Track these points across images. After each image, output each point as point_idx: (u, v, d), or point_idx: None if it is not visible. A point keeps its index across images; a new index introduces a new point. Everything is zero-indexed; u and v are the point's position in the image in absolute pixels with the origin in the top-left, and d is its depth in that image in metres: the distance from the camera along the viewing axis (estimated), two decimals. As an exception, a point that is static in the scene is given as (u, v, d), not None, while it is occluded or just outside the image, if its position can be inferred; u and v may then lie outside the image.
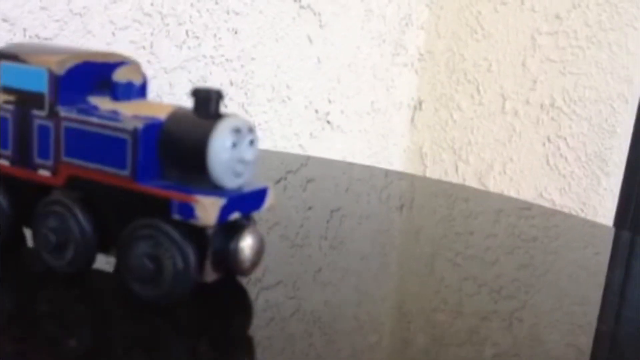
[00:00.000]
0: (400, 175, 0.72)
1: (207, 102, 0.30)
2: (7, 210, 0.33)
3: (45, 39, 0.64)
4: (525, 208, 0.59)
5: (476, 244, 0.47)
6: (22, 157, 0.33)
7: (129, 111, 0.31)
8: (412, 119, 1.10)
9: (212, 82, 0.79)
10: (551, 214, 0.59)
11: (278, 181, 0.58)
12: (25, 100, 0.32)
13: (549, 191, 1.02)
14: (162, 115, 0.30)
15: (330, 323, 0.33)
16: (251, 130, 0.30)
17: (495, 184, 1.04)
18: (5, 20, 0.62)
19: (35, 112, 0.32)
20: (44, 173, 0.33)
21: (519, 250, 0.47)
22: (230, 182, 0.30)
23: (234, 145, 0.29)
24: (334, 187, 0.60)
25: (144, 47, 0.72)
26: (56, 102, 0.32)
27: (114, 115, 0.31)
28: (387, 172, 0.69)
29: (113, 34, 0.69)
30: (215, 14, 0.78)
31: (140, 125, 0.29)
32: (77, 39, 0.67)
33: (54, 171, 0.32)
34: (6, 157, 0.33)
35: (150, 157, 0.30)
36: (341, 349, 0.31)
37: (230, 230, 0.30)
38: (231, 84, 0.81)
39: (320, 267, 0.40)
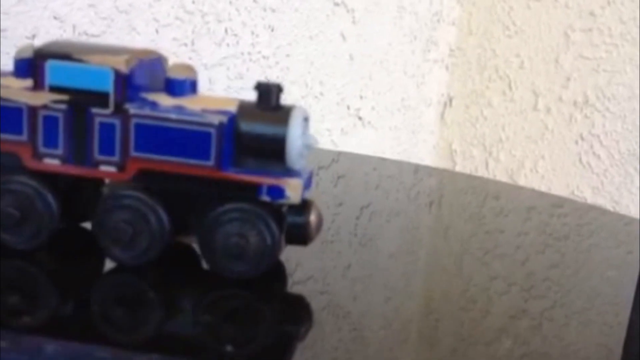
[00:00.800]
0: (430, 171, 0.72)
1: (269, 95, 0.33)
2: (58, 208, 0.34)
3: (93, 35, 0.66)
4: (558, 205, 0.59)
5: (506, 243, 0.47)
6: (77, 155, 0.33)
7: (196, 106, 0.33)
8: (442, 116, 1.09)
9: (248, 79, 0.80)
10: (584, 211, 0.58)
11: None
12: (82, 99, 0.33)
13: (581, 189, 1.01)
14: (231, 108, 0.33)
15: (359, 318, 0.33)
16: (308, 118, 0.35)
17: (527, 182, 1.03)
18: (55, 18, 0.64)
19: (96, 110, 0.33)
20: (107, 169, 0.33)
21: (550, 249, 0.47)
22: (299, 165, 0.33)
23: (303, 132, 0.33)
24: (364, 183, 0.60)
25: (185, 44, 0.73)
26: (123, 101, 0.32)
27: (192, 111, 0.33)
28: (416, 168, 0.69)
29: (156, 31, 0.71)
30: (253, 12, 0.79)
31: (224, 119, 0.32)
32: (123, 35, 0.68)
33: (121, 166, 0.33)
34: (55, 156, 0.33)
35: (230, 147, 0.32)
36: (369, 344, 0.31)
37: (295, 206, 0.33)
38: (267, 80, 0.82)
39: (349, 263, 0.41)
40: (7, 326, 0.28)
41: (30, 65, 0.34)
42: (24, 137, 0.33)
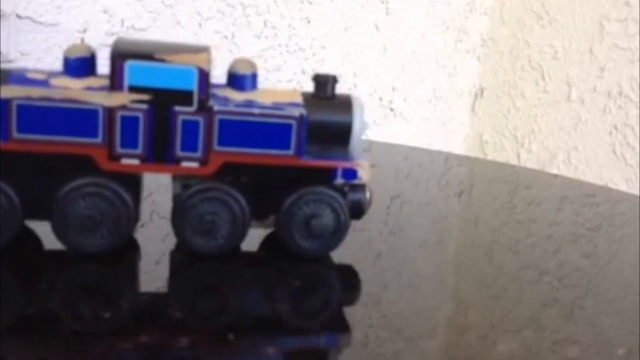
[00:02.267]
0: (460, 160, 0.72)
1: (326, 85, 0.36)
2: (133, 206, 0.34)
3: (140, 29, 0.67)
4: (591, 195, 0.58)
5: (538, 232, 0.47)
6: (157, 153, 0.33)
7: (266, 99, 0.35)
8: (473, 107, 1.08)
9: (285, 71, 0.81)
10: (617, 201, 0.58)
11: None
12: (164, 98, 0.33)
13: (614, 181, 1.00)
14: (297, 100, 0.35)
15: (389, 307, 0.34)
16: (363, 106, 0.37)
17: (559, 173, 1.02)
18: (105, 12, 0.66)
19: (179, 108, 0.33)
20: (189, 165, 0.34)
21: (582, 239, 0.46)
22: (360, 148, 0.37)
23: (362, 119, 0.37)
24: (395, 173, 0.60)
25: (226, 37, 0.75)
26: (207, 98, 0.33)
27: (270, 105, 0.35)
28: (447, 157, 0.69)
29: (199, 24, 0.72)
30: (290, 4, 0.80)
31: (303, 111, 0.35)
32: (168, 29, 0.70)
33: (204, 161, 0.34)
34: (133, 156, 0.33)
35: (305, 137, 0.35)
36: (399, 332, 0.31)
37: (355, 186, 0.37)
38: (303, 72, 0.82)
39: (380, 252, 0.41)
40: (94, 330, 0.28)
41: (88, 64, 0.33)
42: (99, 139, 0.33)
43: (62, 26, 0.64)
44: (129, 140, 0.33)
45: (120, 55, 0.33)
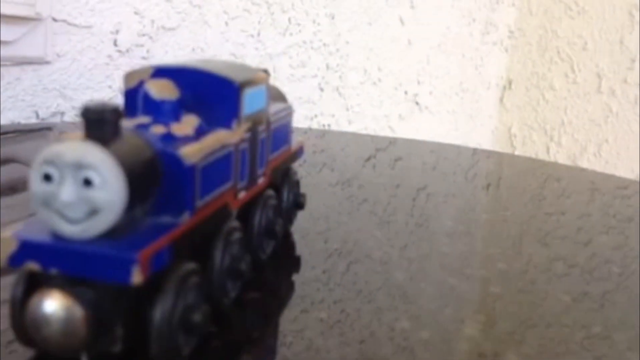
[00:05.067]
0: (488, 153, 0.71)
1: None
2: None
3: (170, 29, 0.68)
4: (622, 187, 0.57)
5: (568, 224, 0.46)
6: (250, 178, 0.32)
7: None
8: (501, 99, 1.07)
9: (310, 67, 0.81)
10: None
11: (368, 159, 0.58)
12: (255, 122, 0.32)
13: (646, 174, 0.98)
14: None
15: (415, 298, 0.33)
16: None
17: (590, 166, 1.00)
18: (136, 13, 0.66)
19: (259, 128, 0.32)
20: (260, 180, 0.33)
21: (613, 231, 0.46)
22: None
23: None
24: (421, 165, 0.59)
25: (252, 35, 0.75)
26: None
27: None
28: (474, 151, 0.68)
29: (226, 23, 0.73)
30: (315, 0, 0.80)
31: None
32: (196, 29, 0.71)
33: (264, 173, 0.34)
34: (243, 188, 0.31)
35: None
36: (426, 324, 0.31)
37: None
38: (327, 67, 0.82)
39: (406, 243, 0.40)
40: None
41: (178, 107, 0.27)
42: (231, 181, 0.29)
43: (95, 28, 0.65)
44: (242, 173, 0.31)
45: (242, 84, 0.29)
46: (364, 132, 0.86)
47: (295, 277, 0.35)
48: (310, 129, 0.77)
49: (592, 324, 0.32)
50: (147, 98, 0.27)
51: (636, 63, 0.96)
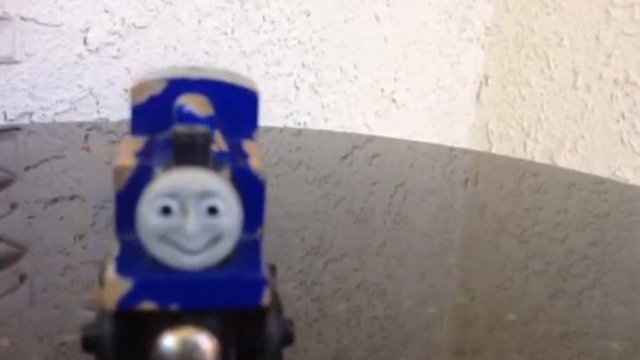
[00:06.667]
0: (465, 150, 0.71)
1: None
2: None
3: (141, 27, 0.67)
4: (599, 182, 0.58)
5: (545, 220, 0.46)
6: None
7: None
8: (478, 96, 1.07)
9: (285, 65, 0.80)
10: (625, 189, 0.57)
11: (344, 157, 0.58)
12: None
13: (622, 170, 0.99)
14: None
15: (394, 296, 0.33)
16: None
17: (566, 163, 1.01)
18: (106, 11, 0.65)
19: None
20: None
21: (590, 227, 0.46)
22: None
23: None
24: (399, 162, 0.59)
25: (225, 33, 0.74)
26: None
27: None
28: (451, 147, 0.68)
29: (199, 21, 0.72)
30: (289, -3, 0.79)
31: None
32: (168, 26, 0.70)
33: None
34: None
35: None
36: (405, 322, 0.30)
37: None
38: (303, 65, 0.82)
39: (384, 241, 0.40)
40: None
41: (215, 123, 0.26)
42: None
43: (65, 26, 0.64)
44: None
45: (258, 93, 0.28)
46: (340, 130, 0.86)
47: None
48: (286, 127, 0.77)
49: (570, 321, 0.32)
50: (187, 115, 0.25)
51: (612, 59, 0.97)
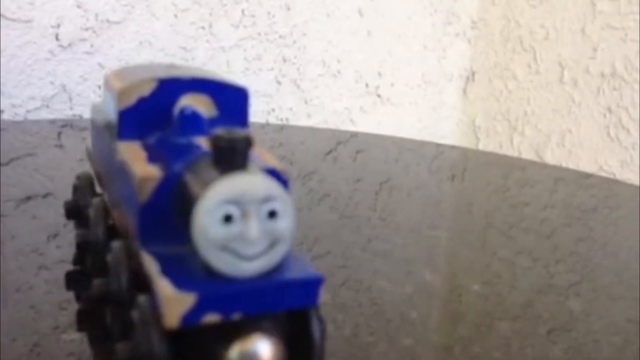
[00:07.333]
0: (451, 146, 0.71)
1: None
2: None
3: (115, 22, 0.66)
4: (585, 176, 0.57)
5: (532, 216, 0.46)
6: None
7: None
8: (465, 91, 1.07)
9: (266, 60, 0.79)
10: (612, 183, 0.57)
11: (328, 153, 0.57)
12: None
13: (609, 164, 0.99)
14: None
15: (380, 293, 0.32)
16: None
17: (553, 157, 1.01)
18: (78, 7, 0.64)
19: None
20: None
21: (577, 222, 0.45)
22: None
23: None
24: (384, 158, 0.58)
25: (203, 28, 0.73)
26: None
27: None
28: (437, 143, 0.67)
29: (175, 16, 0.70)
30: (269, -9, 0.78)
31: None
32: (143, 22, 0.68)
33: None
34: None
35: None
36: (391, 319, 0.30)
37: None
38: (284, 60, 0.81)
39: (369, 238, 0.39)
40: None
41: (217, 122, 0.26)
42: None
43: (35, 22, 0.63)
44: None
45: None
46: (323, 126, 0.85)
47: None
48: (267, 124, 0.76)
49: (557, 317, 0.31)
50: (192, 117, 0.25)
51: (598, 52, 0.97)
